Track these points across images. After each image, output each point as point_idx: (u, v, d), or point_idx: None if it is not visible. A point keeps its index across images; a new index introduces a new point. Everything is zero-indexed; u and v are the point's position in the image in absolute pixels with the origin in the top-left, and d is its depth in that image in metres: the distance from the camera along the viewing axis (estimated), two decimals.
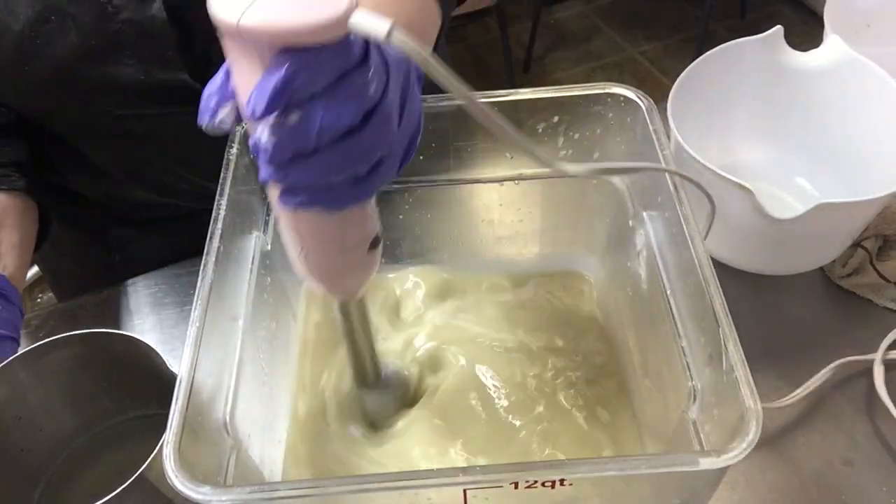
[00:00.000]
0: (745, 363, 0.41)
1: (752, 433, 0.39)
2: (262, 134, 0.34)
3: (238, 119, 0.38)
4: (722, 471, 0.40)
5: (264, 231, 0.59)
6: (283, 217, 0.42)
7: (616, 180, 0.63)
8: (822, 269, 0.71)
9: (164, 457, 0.39)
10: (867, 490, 0.57)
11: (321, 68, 0.33)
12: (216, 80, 0.37)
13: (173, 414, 0.41)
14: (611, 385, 0.61)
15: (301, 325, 0.66)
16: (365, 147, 0.36)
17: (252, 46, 0.33)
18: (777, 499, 0.57)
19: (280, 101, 0.33)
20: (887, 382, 0.62)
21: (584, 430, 0.58)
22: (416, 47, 0.33)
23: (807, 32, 2.19)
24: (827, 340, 0.66)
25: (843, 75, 0.70)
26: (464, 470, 0.39)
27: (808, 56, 0.71)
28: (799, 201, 0.75)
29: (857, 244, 0.70)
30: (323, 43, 0.33)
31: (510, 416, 0.59)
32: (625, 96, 0.57)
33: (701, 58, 0.71)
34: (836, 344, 0.66)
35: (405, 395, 0.61)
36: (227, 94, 0.37)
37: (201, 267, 0.48)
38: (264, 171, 0.36)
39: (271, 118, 0.34)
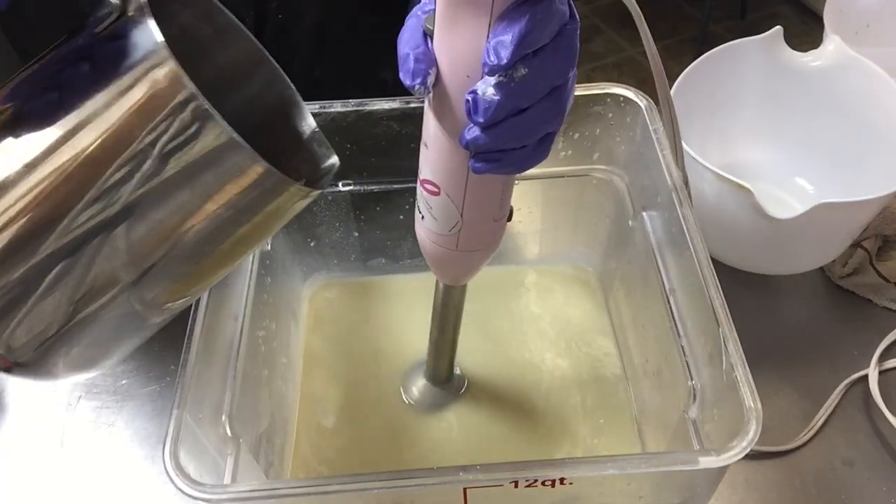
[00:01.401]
0: (745, 363, 0.42)
1: (752, 432, 0.39)
2: (484, 91, 0.34)
3: (437, 82, 0.37)
4: (722, 470, 0.40)
5: None
6: (447, 191, 0.42)
7: (616, 180, 0.63)
8: (822, 269, 0.71)
9: (164, 456, 0.39)
10: (867, 490, 0.57)
11: (551, 21, 0.34)
12: (416, 42, 0.37)
13: (173, 414, 0.41)
14: (611, 384, 0.61)
15: (301, 326, 0.66)
16: (564, 101, 0.37)
17: (488, 4, 0.33)
18: (777, 499, 0.57)
19: (520, 53, 0.33)
20: (885, 384, 0.62)
21: (584, 430, 0.58)
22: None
23: (807, 32, 2.19)
24: (827, 340, 0.66)
25: (843, 75, 0.70)
26: (464, 469, 0.39)
27: (808, 56, 0.71)
28: (799, 201, 0.75)
29: (857, 244, 0.70)
30: None
31: (510, 416, 0.59)
32: (625, 96, 0.57)
33: (701, 58, 0.71)
34: (836, 344, 0.66)
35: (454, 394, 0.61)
36: (432, 58, 0.37)
37: None
38: (472, 133, 0.36)
39: (496, 76, 0.34)
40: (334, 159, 0.43)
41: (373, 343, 0.65)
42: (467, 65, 0.35)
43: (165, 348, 0.66)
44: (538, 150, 0.38)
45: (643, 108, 0.56)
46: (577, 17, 0.37)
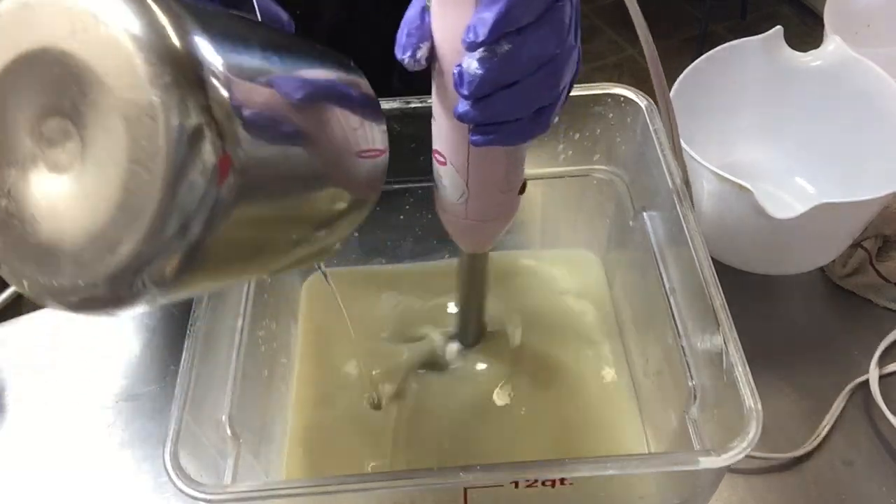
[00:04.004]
0: (746, 363, 0.42)
1: (753, 433, 0.39)
2: (468, 65, 0.35)
3: (430, 59, 0.39)
4: (722, 470, 0.40)
5: None
6: (451, 161, 0.43)
7: (616, 180, 0.63)
8: (822, 269, 0.71)
9: (164, 456, 0.39)
10: (867, 490, 0.57)
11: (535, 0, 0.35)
12: (412, 17, 0.39)
13: (173, 414, 0.41)
14: (611, 384, 0.61)
15: (301, 325, 0.66)
16: (556, 76, 0.38)
17: None
18: (777, 499, 0.57)
19: (501, 29, 0.34)
20: (885, 384, 0.62)
21: (584, 430, 0.58)
22: None
23: (807, 32, 2.19)
24: (827, 340, 0.66)
25: (843, 75, 0.70)
26: (464, 469, 0.39)
27: (808, 56, 0.71)
28: (799, 201, 0.75)
29: (857, 244, 0.70)
30: None
31: (510, 415, 0.59)
32: (625, 96, 0.57)
33: (701, 58, 0.71)
34: (836, 344, 0.66)
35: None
36: (426, 33, 0.38)
37: None
38: (462, 106, 0.37)
39: (480, 51, 0.35)
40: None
41: (373, 342, 0.65)
42: (458, 39, 0.36)
43: (165, 348, 0.66)
44: (536, 123, 0.39)
45: (643, 108, 0.56)
46: None
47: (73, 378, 0.65)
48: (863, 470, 0.58)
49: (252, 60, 0.31)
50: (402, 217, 0.65)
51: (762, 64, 0.72)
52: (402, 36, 0.39)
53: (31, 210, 0.29)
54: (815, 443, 0.59)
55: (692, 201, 0.50)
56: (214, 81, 0.27)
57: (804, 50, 0.71)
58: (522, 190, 0.47)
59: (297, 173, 0.34)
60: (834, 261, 0.70)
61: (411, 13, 0.39)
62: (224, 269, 0.33)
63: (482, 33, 0.34)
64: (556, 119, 0.40)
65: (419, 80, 0.44)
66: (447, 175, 0.45)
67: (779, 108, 0.75)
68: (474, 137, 0.39)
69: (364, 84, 0.41)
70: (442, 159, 0.44)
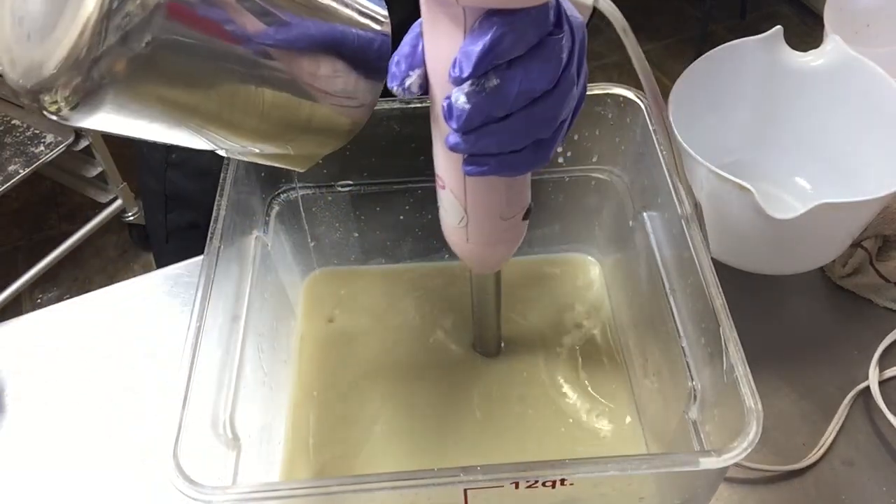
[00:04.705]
0: (746, 363, 0.42)
1: (753, 433, 0.39)
2: (456, 99, 0.34)
3: (424, 86, 0.38)
4: (722, 470, 0.40)
5: (264, 231, 0.59)
6: (450, 187, 0.43)
7: (616, 180, 0.63)
8: (822, 269, 0.71)
9: (165, 456, 0.39)
10: (867, 490, 0.57)
11: (526, 32, 0.34)
12: (404, 47, 0.38)
13: (174, 415, 0.41)
14: (611, 385, 0.61)
15: (301, 325, 0.66)
16: (553, 110, 0.37)
17: (460, 9, 0.33)
18: (777, 499, 0.57)
19: (486, 64, 0.33)
20: (885, 384, 0.62)
21: (584, 430, 0.58)
22: (619, 15, 0.35)
23: (807, 32, 2.19)
24: (827, 340, 0.66)
25: (843, 75, 0.70)
26: (464, 470, 0.39)
27: (808, 56, 0.71)
28: (799, 201, 0.75)
29: (857, 244, 0.70)
30: (530, 6, 0.33)
31: (510, 415, 0.59)
32: (625, 96, 0.57)
33: (701, 58, 0.71)
34: (836, 344, 0.66)
35: None
36: (416, 61, 0.37)
37: (201, 266, 0.48)
38: (453, 138, 0.36)
39: (468, 84, 0.34)
40: None
41: (373, 342, 0.65)
42: (448, 70, 0.36)
43: (165, 348, 0.66)
44: (535, 155, 0.38)
45: (643, 108, 0.56)
46: (575, 25, 0.37)
47: (73, 378, 0.65)
48: (863, 470, 0.58)
49: None
50: (402, 217, 0.65)
51: (762, 64, 0.72)
52: (391, 64, 0.38)
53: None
54: (819, 454, 0.58)
55: (696, 204, 0.50)
56: None
57: (804, 50, 0.71)
58: (527, 216, 0.46)
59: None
60: (834, 261, 0.70)
61: (405, 38, 0.38)
62: (167, 93, 0.34)
63: (466, 69, 0.33)
64: (559, 149, 0.40)
65: None
66: (446, 199, 0.44)
67: (779, 108, 0.75)
68: (467, 168, 0.38)
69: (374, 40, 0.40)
70: (441, 183, 0.44)
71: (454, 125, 0.35)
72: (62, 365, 0.66)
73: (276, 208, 0.62)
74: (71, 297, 0.72)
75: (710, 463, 0.39)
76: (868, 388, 0.62)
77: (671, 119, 0.65)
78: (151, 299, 0.71)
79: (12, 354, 0.68)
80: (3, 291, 1.59)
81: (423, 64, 0.38)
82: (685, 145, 0.62)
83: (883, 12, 0.90)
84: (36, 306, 1.71)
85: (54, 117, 0.33)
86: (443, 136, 0.39)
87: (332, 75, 0.39)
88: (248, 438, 0.48)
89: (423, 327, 0.66)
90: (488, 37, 0.33)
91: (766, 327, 0.67)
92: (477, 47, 0.33)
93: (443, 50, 0.35)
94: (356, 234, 0.67)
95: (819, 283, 0.71)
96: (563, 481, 0.40)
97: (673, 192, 0.51)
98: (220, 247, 0.49)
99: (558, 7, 0.35)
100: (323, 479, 0.39)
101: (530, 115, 0.36)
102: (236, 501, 0.39)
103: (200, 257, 0.49)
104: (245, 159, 0.46)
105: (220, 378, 0.47)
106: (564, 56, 0.36)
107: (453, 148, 0.37)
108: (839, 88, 0.71)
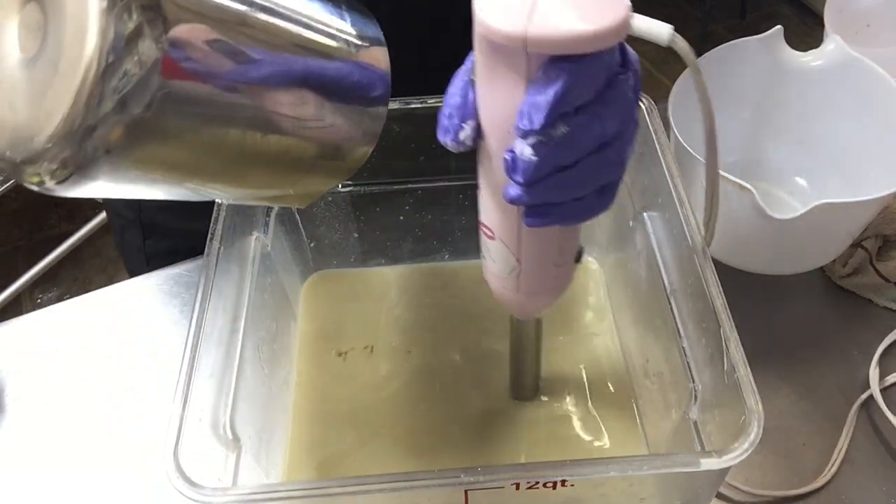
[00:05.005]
0: (746, 363, 0.41)
1: (754, 434, 0.39)
2: (521, 151, 0.32)
3: (478, 135, 0.36)
4: (723, 471, 0.40)
5: (264, 232, 0.59)
6: (501, 237, 0.40)
7: None
8: (822, 269, 0.71)
9: (164, 457, 0.39)
10: (867, 490, 0.57)
11: (596, 76, 0.32)
12: (453, 98, 0.35)
13: (173, 415, 0.41)
14: (611, 385, 0.61)
15: (301, 326, 0.66)
16: (622, 153, 0.35)
17: (522, 57, 0.31)
18: (777, 499, 0.57)
19: (556, 114, 0.31)
20: (885, 384, 0.62)
21: (584, 431, 0.58)
22: (691, 53, 0.33)
23: (807, 32, 2.19)
24: (827, 340, 0.66)
25: (844, 75, 0.70)
26: (465, 470, 0.39)
27: (808, 56, 0.71)
28: (799, 201, 0.75)
29: (857, 244, 0.70)
30: (600, 49, 0.31)
31: (510, 416, 0.59)
32: None
33: (701, 58, 0.71)
34: (837, 344, 0.66)
35: None
36: (468, 112, 0.35)
37: (201, 267, 0.48)
38: (514, 191, 0.33)
39: (533, 135, 0.31)
40: None
41: (373, 343, 0.65)
42: (507, 119, 0.33)
43: (165, 348, 0.66)
44: (599, 201, 0.36)
45: (643, 108, 0.56)
46: (634, 61, 0.34)
47: (73, 378, 0.65)
48: (863, 470, 0.58)
49: None
50: (402, 217, 0.65)
51: (762, 64, 0.72)
52: (443, 117, 0.36)
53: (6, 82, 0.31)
54: (826, 479, 0.57)
55: (713, 210, 0.49)
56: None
57: (804, 50, 0.71)
58: (579, 258, 0.44)
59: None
60: (834, 261, 0.70)
61: (452, 89, 0.36)
62: (169, 157, 0.32)
63: (538, 121, 0.31)
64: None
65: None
66: (496, 249, 0.42)
67: (779, 108, 0.75)
68: (528, 220, 0.35)
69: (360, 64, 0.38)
70: (490, 233, 0.41)
71: (520, 178, 0.33)
72: (62, 365, 0.66)
73: (275, 209, 0.62)
74: (71, 297, 0.72)
75: (710, 464, 0.39)
76: (868, 388, 0.62)
77: (671, 118, 0.64)
78: (151, 299, 0.71)
79: (12, 354, 0.67)
80: (3, 291, 1.59)
81: (475, 114, 0.35)
82: (685, 145, 0.62)
83: (883, 12, 0.90)
84: (36, 306, 1.71)
85: (35, 188, 0.30)
86: (495, 186, 0.37)
87: (335, 112, 0.37)
88: (248, 439, 0.48)
89: (423, 327, 0.66)
90: (559, 85, 0.30)
91: (767, 327, 0.67)
92: (547, 97, 0.30)
93: (501, 99, 0.33)
94: (356, 235, 0.67)
95: (819, 283, 0.71)
96: (563, 482, 0.40)
97: (673, 192, 0.51)
98: (219, 248, 0.49)
99: (623, 45, 0.33)
100: (323, 481, 0.39)
101: (599, 160, 0.34)
102: (236, 503, 0.39)
103: (200, 258, 0.49)
104: (244, 203, 0.45)
105: (219, 379, 0.47)
106: (632, 95, 0.34)
107: (513, 200, 0.34)
108: (839, 88, 0.70)
